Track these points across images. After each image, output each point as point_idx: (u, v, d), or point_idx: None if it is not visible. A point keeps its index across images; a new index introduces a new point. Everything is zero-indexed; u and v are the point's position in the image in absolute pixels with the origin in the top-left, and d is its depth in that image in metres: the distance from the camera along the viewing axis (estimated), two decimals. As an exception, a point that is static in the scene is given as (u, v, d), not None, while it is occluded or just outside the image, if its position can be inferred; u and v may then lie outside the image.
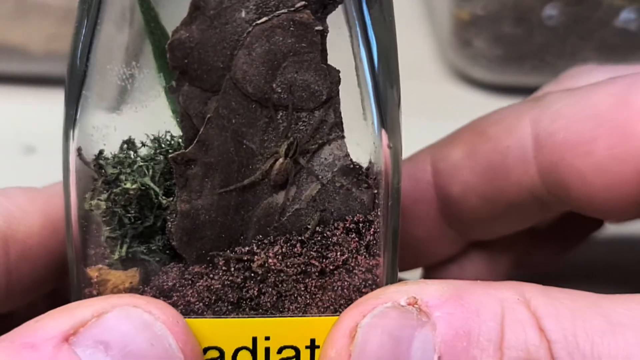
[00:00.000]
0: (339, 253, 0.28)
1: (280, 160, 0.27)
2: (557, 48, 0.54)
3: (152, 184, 0.27)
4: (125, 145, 0.28)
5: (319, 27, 0.26)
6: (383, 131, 0.28)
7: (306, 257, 0.28)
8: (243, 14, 0.26)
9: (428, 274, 0.39)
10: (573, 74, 0.37)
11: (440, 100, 0.56)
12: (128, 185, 0.27)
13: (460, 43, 0.55)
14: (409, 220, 0.36)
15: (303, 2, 0.26)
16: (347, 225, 0.28)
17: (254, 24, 0.26)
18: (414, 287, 0.27)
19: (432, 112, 0.52)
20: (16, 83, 0.56)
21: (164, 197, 0.27)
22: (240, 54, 0.26)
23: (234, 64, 0.26)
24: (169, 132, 0.28)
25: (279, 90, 0.27)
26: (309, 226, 0.28)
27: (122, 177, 0.27)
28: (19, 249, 0.30)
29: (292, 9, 0.26)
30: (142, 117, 0.28)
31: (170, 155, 0.27)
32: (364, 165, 0.28)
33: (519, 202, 0.35)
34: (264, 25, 0.26)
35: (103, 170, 0.27)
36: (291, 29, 0.26)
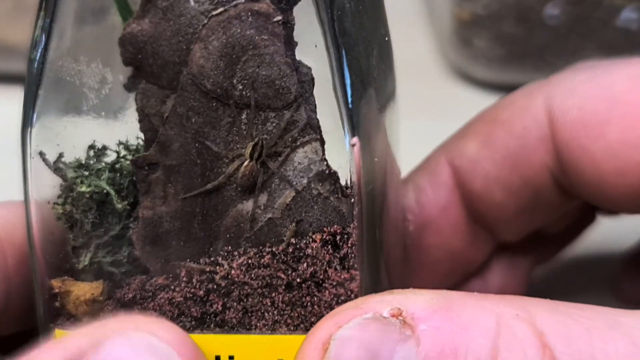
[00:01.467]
0: (308, 265, 0.25)
1: (246, 162, 0.25)
2: (558, 47, 0.53)
3: (107, 187, 0.25)
4: (90, 150, 0.26)
5: (279, 17, 0.24)
6: (352, 133, 0.25)
7: (273, 270, 0.25)
8: (197, 5, 0.24)
9: None
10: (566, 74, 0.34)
11: (442, 100, 0.54)
12: (83, 188, 0.25)
13: (461, 42, 0.55)
14: (438, 231, 0.34)
15: (262, -9, 0.24)
16: (324, 237, 0.26)
17: (210, 15, 0.24)
18: (400, 296, 0.24)
19: (433, 112, 0.51)
20: (15, 82, 0.56)
21: (118, 201, 0.25)
22: (196, 48, 0.25)
23: (190, 59, 0.25)
24: (139, 138, 0.26)
25: (240, 87, 0.25)
26: (284, 238, 0.26)
27: (79, 180, 0.26)
28: (16, 254, 0.30)
29: (250, -2, 0.24)
30: (109, 120, 0.26)
31: (130, 159, 0.26)
32: (342, 170, 0.26)
33: (543, 188, 0.32)
34: (221, 17, 0.24)
35: (63, 175, 0.26)
36: (249, 19, 0.24)
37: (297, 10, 0.25)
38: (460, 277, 0.36)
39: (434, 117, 0.46)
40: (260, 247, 0.26)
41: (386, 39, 0.27)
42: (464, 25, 0.54)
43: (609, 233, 0.41)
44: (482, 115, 0.33)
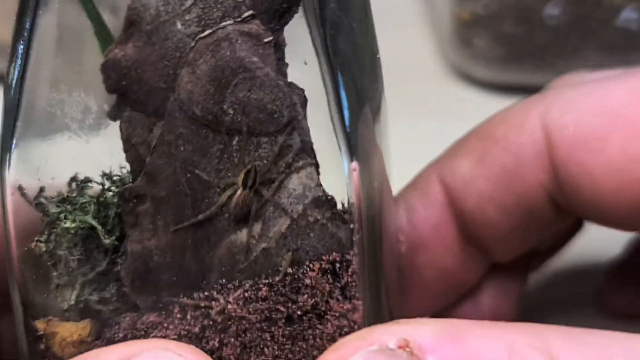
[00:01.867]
0: (308, 296, 0.24)
1: (239, 191, 0.24)
2: (558, 47, 0.53)
3: (93, 222, 0.24)
4: (72, 182, 0.25)
5: (269, 38, 0.23)
6: (350, 157, 0.24)
7: (271, 302, 0.24)
8: (184, 28, 0.23)
9: (438, 315, 0.35)
10: (563, 82, 0.33)
11: (442, 100, 0.54)
12: (68, 224, 0.24)
13: (461, 43, 0.55)
14: (431, 251, 0.33)
15: (251, 12, 0.23)
16: (323, 265, 0.24)
17: (197, 38, 0.23)
18: (406, 326, 0.23)
19: (433, 112, 0.51)
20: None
21: (106, 236, 0.24)
22: (183, 73, 0.23)
23: (177, 84, 0.23)
24: (124, 167, 0.25)
25: (231, 112, 0.24)
26: (280, 268, 0.24)
27: (62, 215, 0.24)
28: None
29: (239, 19, 0.23)
30: (92, 149, 0.25)
31: (116, 191, 0.24)
32: (340, 195, 0.25)
33: (538, 207, 0.31)
34: (209, 39, 0.23)
35: (46, 210, 0.25)
36: (239, 41, 0.23)
37: (287, 30, 0.24)
38: (452, 299, 0.35)
39: (433, 117, 0.46)
40: (256, 279, 0.24)
41: (377, 56, 0.27)
42: (464, 25, 0.54)
43: (592, 244, 0.40)
44: (474, 131, 0.32)
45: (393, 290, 0.28)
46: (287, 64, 0.24)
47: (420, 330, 0.23)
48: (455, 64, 0.57)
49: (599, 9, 0.52)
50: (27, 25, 0.24)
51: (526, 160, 0.30)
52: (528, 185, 0.31)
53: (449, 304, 0.35)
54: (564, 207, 0.31)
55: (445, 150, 0.33)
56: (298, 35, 0.24)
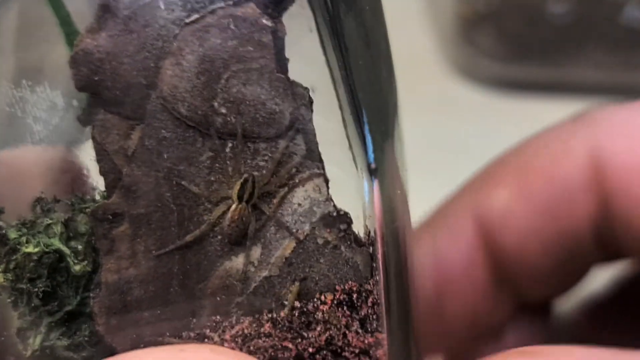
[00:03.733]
0: (320, 331, 0.20)
1: (233, 206, 0.20)
2: (561, 45, 0.54)
3: (60, 245, 0.20)
4: (36, 205, 0.21)
5: (267, 23, 0.20)
6: (370, 164, 0.20)
7: (276, 339, 0.20)
8: (167, 12, 0.20)
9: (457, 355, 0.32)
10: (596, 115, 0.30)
11: (444, 98, 0.54)
12: (30, 248, 0.20)
13: (463, 40, 0.56)
14: (458, 293, 0.30)
15: (245, -9, 0.20)
16: (337, 296, 0.20)
17: (182, 24, 0.20)
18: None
19: (436, 110, 0.50)
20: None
21: (75, 261, 0.20)
22: (166, 65, 0.20)
23: (160, 79, 0.20)
24: (95, 189, 0.21)
25: (223, 111, 0.20)
26: (285, 302, 0.20)
27: (24, 239, 0.20)
28: None
29: (231, 2, 0.20)
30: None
31: (88, 210, 0.20)
32: (354, 212, 0.21)
33: (581, 244, 0.28)
34: (196, 25, 0.20)
35: (3, 235, 0.21)
36: (231, 27, 0.20)
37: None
38: (476, 339, 0.31)
39: (436, 116, 0.47)
40: (257, 315, 0.20)
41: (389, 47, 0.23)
42: (467, 23, 0.55)
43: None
44: (507, 161, 0.29)
45: (419, 322, 0.25)
46: (287, 58, 0.21)
47: None
48: (458, 61, 0.57)
49: (602, 6, 0.53)
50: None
51: (572, 191, 0.27)
52: (574, 220, 0.28)
53: (471, 344, 0.31)
54: (609, 244, 0.28)
55: (472, 178, 0.29)
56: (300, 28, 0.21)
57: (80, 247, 0.21)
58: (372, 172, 0.21)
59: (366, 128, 0.20)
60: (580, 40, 0.54)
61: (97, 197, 0.21)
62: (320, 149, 0.21)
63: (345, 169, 0.21)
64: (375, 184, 0.20)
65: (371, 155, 0.20)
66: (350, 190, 0.21)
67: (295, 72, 0.21)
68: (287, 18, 0.21)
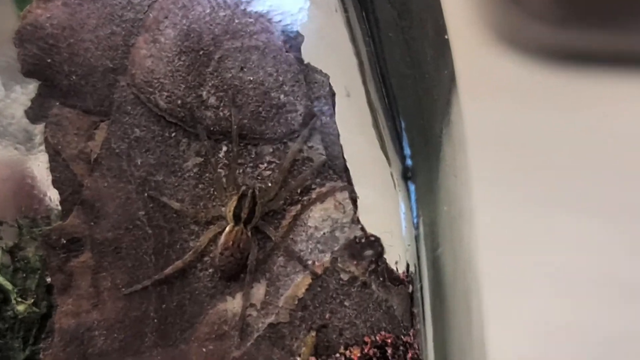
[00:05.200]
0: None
1: (228, 228, 0.16)
2: (631, 4, 0.48)
3: (3, 281, 0.16)
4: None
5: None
6: (407, 172, 0.16)
7: (283, 406, 0.15)
8: (140, -27, 0.15)
9: None
10: None
11: (484, 71, 0.48)
12: (-42, 285, 0.16)
13: (509, 0, 0.50)
14: None
15: (242, -55, 0.15)
16: (367, 351, 0.16)
17: (161, -12, 0.16)
18: None
19: (474, 86, 0.49)
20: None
21: (20, 299, 0.16)
22: (140, 43, 0.16)
23: (131, 61, 0.16)
24: (51, 208, 0.17)
25: (214, 103, 0.16)
26: (298, 358, 0.17)
27: (-48, 272, 0.16)
28: None
29: (225, -43, 0.15)
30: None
31: (39, 234, 0.16)
32: (389, 237, 0.16)
33: None
34: (178, -10, 0.15)
35: None
36: (225, -8, 0.15)
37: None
38: None
39: (475, 92, 0.43)
40: None
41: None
42: None
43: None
44: None
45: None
46: (302, 35, 0.16)
47: None
48: (501, 26, 0.51)
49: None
50: None
51: None
52: None
53: None
54: None
55: None
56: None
57: (30, 282, 0.16)
58: (408, 182, 0.16)
59: (402, 125, 0.16)
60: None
61: (53, 217, 0.17)
62: (345, 155, 0.16)
63: (377, 182, 0.16)
64: (414, 199, 0.16)
65: (408, 162, 0.16)
66: (382, 209, 0.16)
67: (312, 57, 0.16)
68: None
